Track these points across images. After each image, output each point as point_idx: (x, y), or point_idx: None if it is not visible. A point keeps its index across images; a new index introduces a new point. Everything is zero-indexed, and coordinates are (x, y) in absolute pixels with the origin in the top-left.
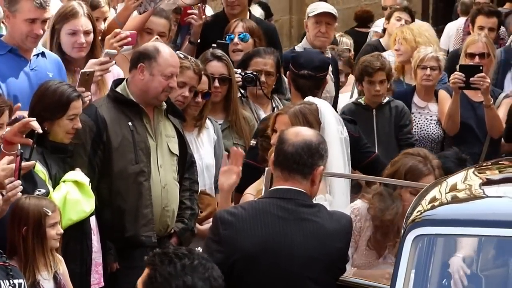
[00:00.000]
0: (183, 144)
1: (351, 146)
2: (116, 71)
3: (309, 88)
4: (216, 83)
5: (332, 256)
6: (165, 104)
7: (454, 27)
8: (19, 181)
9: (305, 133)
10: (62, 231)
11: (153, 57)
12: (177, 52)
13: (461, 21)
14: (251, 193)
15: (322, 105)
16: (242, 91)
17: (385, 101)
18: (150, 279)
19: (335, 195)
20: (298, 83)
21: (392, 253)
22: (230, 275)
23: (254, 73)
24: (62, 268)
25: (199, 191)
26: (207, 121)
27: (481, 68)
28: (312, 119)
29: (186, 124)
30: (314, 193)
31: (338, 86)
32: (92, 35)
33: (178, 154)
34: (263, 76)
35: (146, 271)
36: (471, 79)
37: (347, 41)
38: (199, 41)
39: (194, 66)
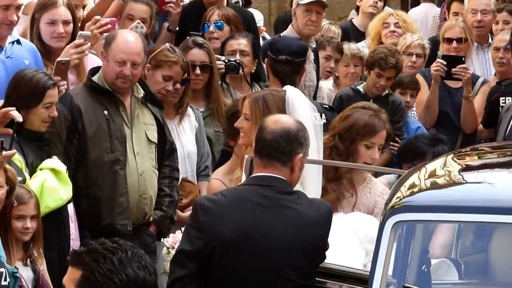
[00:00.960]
0: (162, 131)
1: None
2: (97, 61)
3: (287, 74)
4: (198, 71)
5: (312, 243)
6: (142, 91)
7: (418, 13)
8: None
9: (284, 120)
10: (29, 225)
11: (109, 43)
12: (166, 44)
13: (424, 7)
14: (217, 178)
15: (293, 93)
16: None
17: (384, 94)
18: (87, 280)
19: (307, 183)
20: (276, 69)
21: (347, 204)
22: (210, 261)
23: (238, 60)
24: (43, 265)
25: (180, 178)
26: (189, 109)
27: (463, 59)
28: (273, 106)
29: (167, 111)
30: (294, 181)
31: (318, 74)
32: (71, 25)
33: (156, 141)
34: (237, 55)
35: (76, 272)
36: (453, 69)
37: (335, 30)
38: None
39: (181, 62)
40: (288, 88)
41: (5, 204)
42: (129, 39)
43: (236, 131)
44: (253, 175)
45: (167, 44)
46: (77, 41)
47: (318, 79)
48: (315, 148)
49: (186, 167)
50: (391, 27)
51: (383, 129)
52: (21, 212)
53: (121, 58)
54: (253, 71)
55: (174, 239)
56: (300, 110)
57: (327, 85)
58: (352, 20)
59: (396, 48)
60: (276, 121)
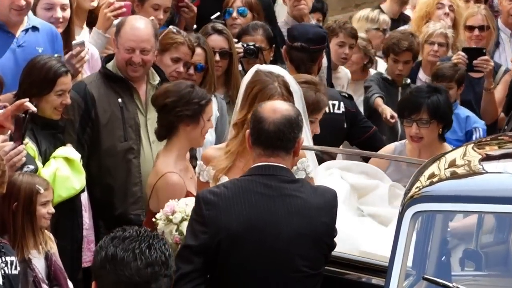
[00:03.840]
0: None
1: (348, 122)
2: (91, 50)
3: (302, 61)
4: (217, 57)
5: (318, 231)
6: (158, 78)
7: None
8: (23, 146)
9: (282, 108)
10: (53, 210)
11: (118, 30)
12: (170, 26)
13: None
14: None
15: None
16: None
17: (408, 81)
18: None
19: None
20: (292, 56)
21: None
22: (216, 255)
23: (257, 45)
24: (54, 248)
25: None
26: (212, 97)
27: (484, 51)
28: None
29: None
30: (293, 163)
31: (329, 59)
32: (69, 10)
33: None
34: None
35: None
36: (474, 62)
37: (385, 19)
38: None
39: (188, 42)
40: (281, 71)
41: (29, 192)
42: (138, 25)
43: None
44: (254, 165)
45: (171, 27)
46: (73, 52)
47: (330, 65)
48: (305, 133)
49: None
50: (446, 9)
51: (326, 104)
52: (45, 198)
53: (130, 46)
54: (271, 58)
55: (170, 208)
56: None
57: (347, 73)
58: (381, 6)
59: (411, 31)
60: (274, 110)
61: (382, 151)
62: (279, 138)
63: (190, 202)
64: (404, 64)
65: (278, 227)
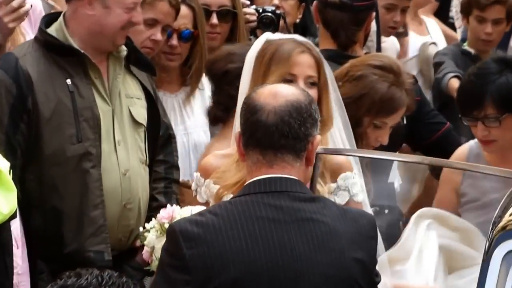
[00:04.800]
0: (154, 109)
1: (410, 116)
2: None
3: (342, 24)
4: (214, 19)
5: (351, 271)
6: (124, 49)
7: None
8: None
9: (286, 91)
10: None
11: None
12: None
13: None
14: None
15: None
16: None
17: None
18: None
19: None
20: (326, 17)
21: None
22: None
23: (278, 11)
24: None
25: (179, 180)
26: (203, 79)
27: None
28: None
29: (167, 81)
30: (308, 177)
31: (378, 22)
32: None
33: (145, 124)
34: None
35: None
36: None
37: None
38: None
39: None
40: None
41: None
42: None
43: None
44: (252, 179)
45: None
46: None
47: (379, 31)
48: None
49: (191, 164)
50: None
51: (403, 106)
52: None
53: (134, 2)
54: (298, 20)
55: (167, 214)
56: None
57: (394, 43)
58: None
59: None
60: (275, 93)
61: (453, 157)
62: (282, 134)
63: (197, 210)
64: (493, 24)
65: (295, 267)
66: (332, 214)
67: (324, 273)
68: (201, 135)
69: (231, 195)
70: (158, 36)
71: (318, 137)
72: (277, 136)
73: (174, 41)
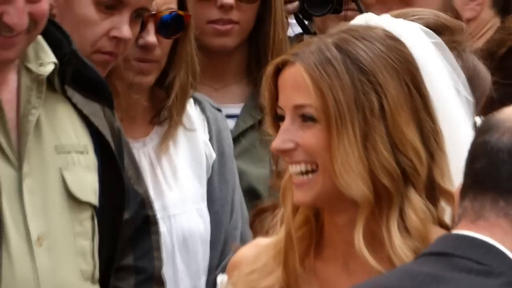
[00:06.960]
0: (113, 169)
1: None
2: None
3: None
4: None
5: None
6: (52, 57)
7: None
8: None
9: None
10: None
11: None
12: None
13: None
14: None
15: (408, 33)
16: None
17: None
18: None
19: None
20: None
21: None
22: None
23: None
24: None
25: None
26: (189, 108)
27: None
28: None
29: (128, 117)
30: None
31: None
32: None
33: (95, 200)
34: None
35: None
36: None
37: None
38: None
39: None
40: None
41: None
42: None
43: None
44: (452, 233)
45: None
46: None
47: None
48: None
49: (177, 273)
50: None
51: None
52: None
53: None
54: None
55: None
56: (435, 71)
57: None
58: None
59: None
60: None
61: None
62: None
63: None
64: None
65: None
66: None
67: None
68: (194, 218)
69: None
70: (124, 30)
71: None
72: (505, 176)
73: (151, 36)
